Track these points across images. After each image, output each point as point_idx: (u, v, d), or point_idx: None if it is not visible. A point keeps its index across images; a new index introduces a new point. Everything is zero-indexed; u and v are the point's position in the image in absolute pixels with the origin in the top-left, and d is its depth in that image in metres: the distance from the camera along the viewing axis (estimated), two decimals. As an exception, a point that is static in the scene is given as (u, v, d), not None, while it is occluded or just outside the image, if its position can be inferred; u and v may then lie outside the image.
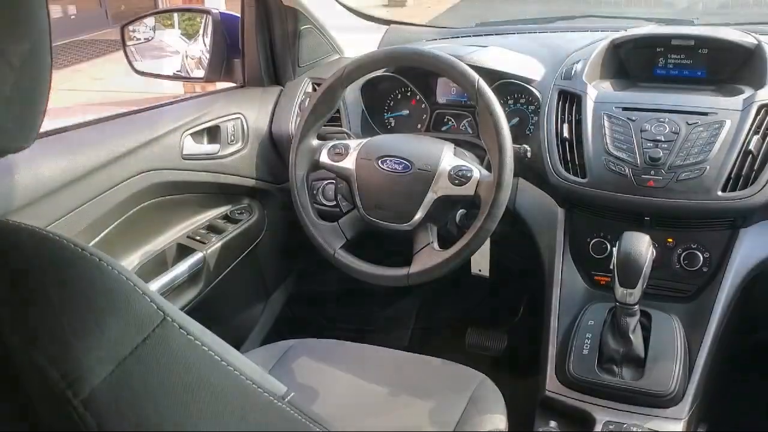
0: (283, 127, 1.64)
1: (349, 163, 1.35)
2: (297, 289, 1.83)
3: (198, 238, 1.47)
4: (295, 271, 1.83)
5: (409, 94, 1.64)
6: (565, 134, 1.34)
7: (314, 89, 1.68)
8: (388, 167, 1.31)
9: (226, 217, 1.57)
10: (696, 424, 1.23)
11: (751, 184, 1.20)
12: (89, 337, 0.41)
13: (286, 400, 0.51)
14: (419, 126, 1.63)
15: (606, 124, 1.31)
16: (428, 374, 1.29)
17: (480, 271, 1.58)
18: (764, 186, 1.19)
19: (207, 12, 1.67)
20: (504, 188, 1.19)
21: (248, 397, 0.48)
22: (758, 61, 1.37)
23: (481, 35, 1.86)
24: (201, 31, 1.82)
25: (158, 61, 1.74)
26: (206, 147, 1.50)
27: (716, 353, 1.23)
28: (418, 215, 1.27)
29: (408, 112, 1.65)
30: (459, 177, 1.25)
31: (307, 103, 1.64)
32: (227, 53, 1.68)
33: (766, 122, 1.24)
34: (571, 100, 1.38)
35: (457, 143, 1.38)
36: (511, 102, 1.52)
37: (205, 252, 1.46)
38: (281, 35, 1.66)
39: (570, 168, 1.31)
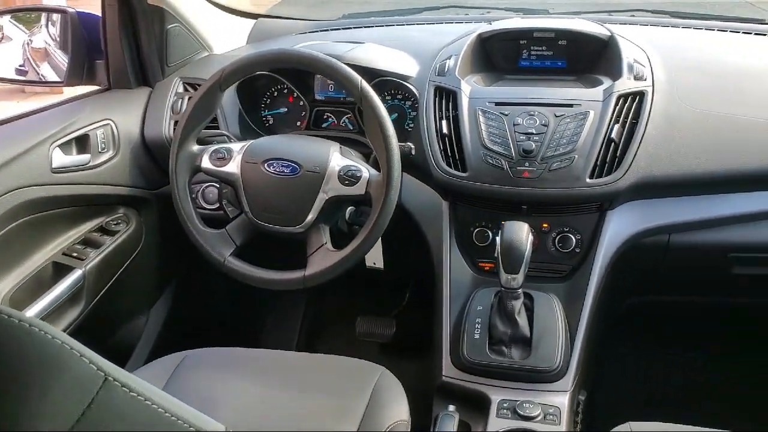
0: (156, 130, 1.58)
1: (233, 167, 1.32)
2: (181, 298, 1.77)
3: (75, 254, 1.38)
4: (177, 278, 1.77)
5: (285, 91, 1.63)
6: (444, 130, 1.38)
7: (186, 89, 1.63)
8: (275, 170, 1.30)
9: (102, 229, 1.49)
10: (578, 393, 1.33)
11: (614, 170, 1.30)
12: (34, 404, 0.40)
13: None
14: (299, 123, 1.62)
15: (481, 119, 1.37)
16: (329, 373, 1.29)
17: (375, 263, 1.62)
18: (627, 171, 1.30)
19: (64, 11, 1.56)
20: (393, 187, 1.23)
21: None
22: (613, 52, 1.48)
23: (350, 28, 1.88)
24: (43, 22, 1.70)
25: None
26: (76, 158, 1.41)
27: (593, 325, 1.33)
28: (310, 217, 1.28)
29: (286, 109, 1.64)
30: (349, 177, 1.27)
31: (180, 105, 1.58)
32: (89, 55, 1.59)
33: (624, 111, 1.35)
34: (446, 96, 1.42)
35: (341, 141, 1.40)
36: (389, 98, 1.55)
37: (84, 268, 1.38)
38: (147, 35, 1.58)
39: (451, 163, 1.37)
